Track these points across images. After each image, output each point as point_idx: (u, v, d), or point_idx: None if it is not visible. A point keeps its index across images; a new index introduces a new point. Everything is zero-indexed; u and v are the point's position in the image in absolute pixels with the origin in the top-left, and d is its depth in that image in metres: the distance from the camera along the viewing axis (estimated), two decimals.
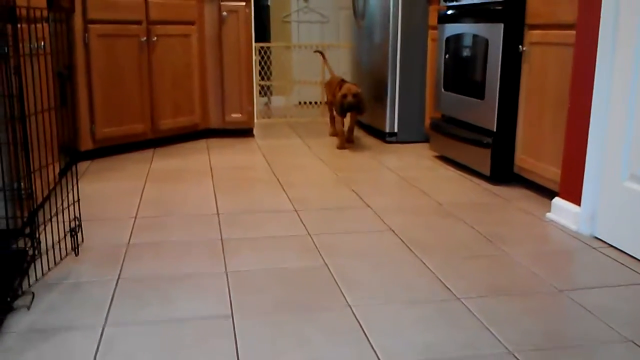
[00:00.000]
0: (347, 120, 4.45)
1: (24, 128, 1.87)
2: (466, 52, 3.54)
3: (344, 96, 4.12)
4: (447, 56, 3.77)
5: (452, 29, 3.69)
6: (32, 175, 1.99)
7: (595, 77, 2.41)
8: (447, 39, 3.75)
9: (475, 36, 3.41)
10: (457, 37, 3.63)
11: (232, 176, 3.47)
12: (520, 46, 3.08)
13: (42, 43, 2.35)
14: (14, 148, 2.03)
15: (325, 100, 4.94)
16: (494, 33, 3.18)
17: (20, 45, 1.88)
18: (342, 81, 4.34)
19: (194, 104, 4.40)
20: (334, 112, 4.48)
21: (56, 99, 2.40)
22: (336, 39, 6.57)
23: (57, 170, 2.95)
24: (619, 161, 2.33)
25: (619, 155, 2.33)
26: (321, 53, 5.00)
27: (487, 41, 3.26)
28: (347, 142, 4.36)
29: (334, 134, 4.71)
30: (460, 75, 3.60)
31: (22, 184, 2.13)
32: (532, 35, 2.98)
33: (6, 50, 1.88)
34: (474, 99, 3.42)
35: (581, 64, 2.51)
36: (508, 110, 3.19)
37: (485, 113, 3.31)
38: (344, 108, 4.17)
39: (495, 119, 3.22)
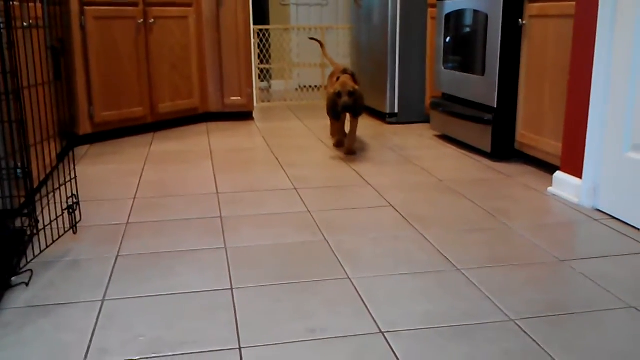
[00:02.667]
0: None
1: (19, 103, 1.85)
2: (466, 29, 3.51)
3: (338, 94, 3.33)
4: (446, 34, 3.73)
5: (451, 5, 3.65)
6: (29, 152, 1.97)
7: (596, 47, 2.38)
8: (447, 16, 3.71)
9: (474, 11, 3.38)
10: (457, 14, 3.59)
11: (231, 157, 3.45)
12: (520, 20, 3.05)
13: (35, 17, 2.33)
14: (9, 125, 2.02)
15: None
16: (494, 7, 3.14)
17: (13, 22, 1.86)
18: (344, 72, 3.58)
19: (193, 87, 4.37)
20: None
21: (50, 73, 2.38)
22: (335, 21, 6.52)
23: (55, 152, 2.93)
24: (621, 132, 2.30)
25: (621, 126, 2.30)
26: (317, 40, 4.29)
27: (486, 16, 3.22)
28: (348, 153, 3.49)
29: (338, 144, 3.75)
30: (460, 52, 3.57)
31: (18, 162, 2.11)
32: (531, 8, 2.94)
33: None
34: (474, 76, 3.39)
35: (581, 34, 2.47)
36: (509, 86, 3.16)
37: (485, 89, 3.28)
38: (336, 110, 3.38)
39: (496, 95, 3.19)
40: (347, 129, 3.66)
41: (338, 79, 3.46)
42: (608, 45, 2.33)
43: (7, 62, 1.84)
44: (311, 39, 4.44)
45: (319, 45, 4.29)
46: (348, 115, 3.57)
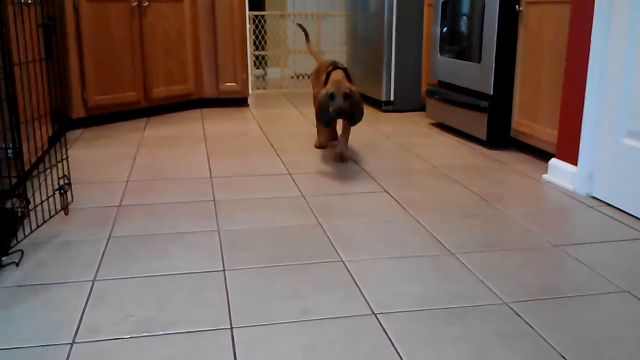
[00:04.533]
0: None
1: (10, 80, 1.83)
2: (462, 15, 3.48)
3: (331, 96, 2.73)
4: (443, 21, 3.71)
5: None
6: (19, 130, 1.95)
7: (592, 33, 2.36)
8: (444, 3, 3.68)
9: None
10: (454, 1, 3.57)
11: (226, 143, 3.43)
12: (517, 6, 3.03)
13: None
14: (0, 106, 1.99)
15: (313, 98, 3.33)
16: None
17: None
18: (335, 67, 2.96)
19: (187, 72, 4.34)
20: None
21: (42, 51, 2.35)
22: (332, 8, 6.48)
23: (47, 136, 2.90)
24: (617, 118, 2.29)
25: (617, 112, 2.29)
26: (303, 29, 3.61)
27: (483, 3, 3.20)
28: (339, 159, 2.98)
29: (320, 145, 3.28)
30: (457, 39, 3.55)
31: (9, 143, 2.09)
32: None
33: None
34: (471, 63, 3.38)
35: (578, 20, 2.46)
36: (505, 73, 3.15)
37: (481, 76, 3.27)
38: (327, 116, 2.80)
39: (492, 82, 3.17)
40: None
41: (327, 76, 2.91)
42: (605, 31, 2.31)
43: None
44: (299, 25, 3.69)
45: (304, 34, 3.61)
46: (339, 121, 3.13)
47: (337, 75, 2.87)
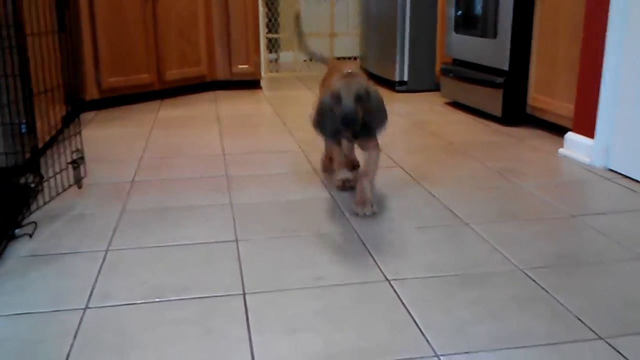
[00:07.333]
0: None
1: (23, 54, 1.83)
2: None
3: (337, 97, 1.85)
4: None
5: None
6: (32, 103, 1.95)
7: (610, 3, 2.31)
8: None
9: None
10: None
11: (239, 123, 3.42)
12: None
13: None
14: (12, 79, 1.99)
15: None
16: None
17: None
18: (342, 64, 2.24)
19: (200, 55, 4.33)
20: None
21: (54, 24, 2.35)
22: None
23: (60, 115, 2.91)
24: (635, 89, 2.25)
25: (635, 83, 2.24)
26: (297, 24, 2.61)
27: None
28: (360, 211, 1.95)
29: (326, 169, 2.41)
30: (472, 15, 3.50)
31: (23, 119, 2.09)
32: None
33: None
34: (486, 39, 3.33)
35: None
36: (521, 48, 3.10)
37: (497, 52, 3.22)
38: (330, 126, 1.93)
39: (508, 58, 3.12)
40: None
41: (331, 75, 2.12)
42: (624, 0, 2.26)
43: (10, 12, 1.81)
44: (295, 19, 2.66)
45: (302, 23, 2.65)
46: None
47: (348, 66, 2.06)
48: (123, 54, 3.81)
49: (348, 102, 1.81)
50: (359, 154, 2.26)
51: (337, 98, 1.85)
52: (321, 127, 1.98)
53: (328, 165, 2.40)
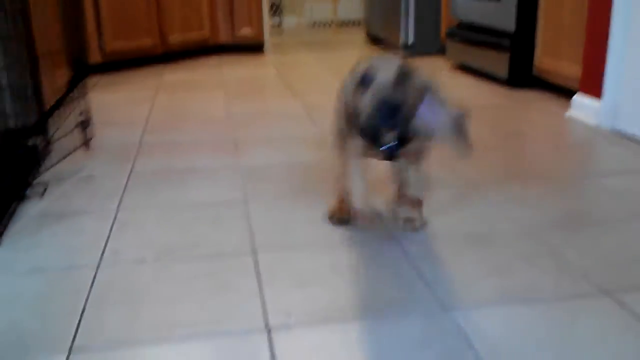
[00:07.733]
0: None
1: (25, 15, 1.81)
2: None
3: (363, 80, 1.28)
4: None
5: None
6: (37, 65, 1.94)
7: None
8: None
9: None
10: None
11: (244, 86, 3.41)
12: None
13: None
14: (16, 41, 1.98)
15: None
16: None
17: None
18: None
19: (203, 18, 4.29)
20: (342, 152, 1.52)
21: None
22: None
23: (66, 78, 2.90)
24: None
25: None
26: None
27: None
28: (409, 225, 1.55)
29: (333, 215, 1.61)
30: None
31: (28, 79, 2.09)
32: None
33: None
34: (492, 0, 3.29)
35: None
36: (527, 9, 3.06)
37: (503, 14, 3.18)
38: (349, 134, 1.41)
39: (515, 19, 3.09)
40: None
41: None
42: None
43: None
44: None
45: None
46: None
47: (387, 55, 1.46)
48: (125, 18, 3.77)
49: (380, 86, 1.25)
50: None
51: (363, 80, 1.27)
52: (338, 134, 1.44)
53: (343, 210, 1.58)
